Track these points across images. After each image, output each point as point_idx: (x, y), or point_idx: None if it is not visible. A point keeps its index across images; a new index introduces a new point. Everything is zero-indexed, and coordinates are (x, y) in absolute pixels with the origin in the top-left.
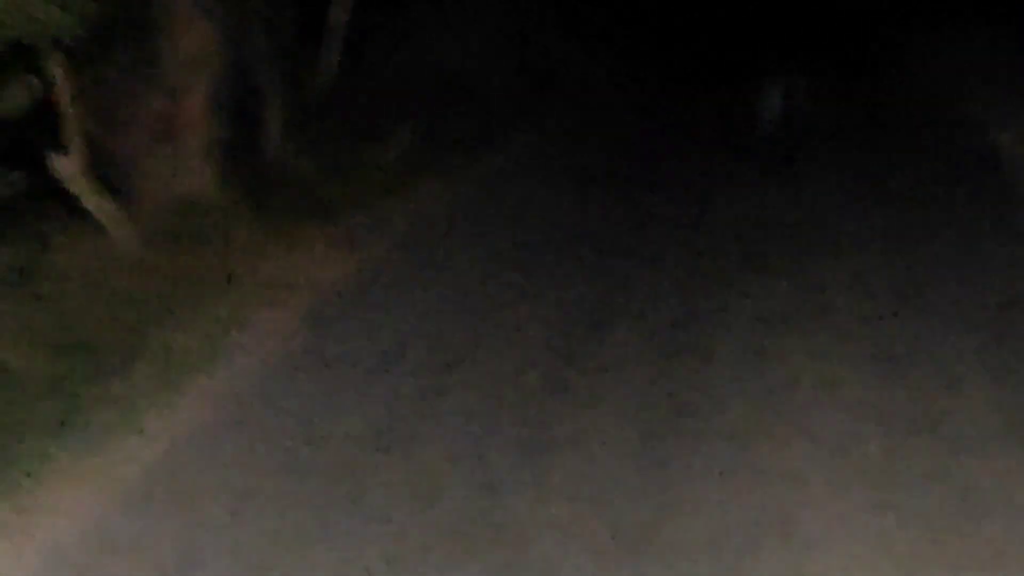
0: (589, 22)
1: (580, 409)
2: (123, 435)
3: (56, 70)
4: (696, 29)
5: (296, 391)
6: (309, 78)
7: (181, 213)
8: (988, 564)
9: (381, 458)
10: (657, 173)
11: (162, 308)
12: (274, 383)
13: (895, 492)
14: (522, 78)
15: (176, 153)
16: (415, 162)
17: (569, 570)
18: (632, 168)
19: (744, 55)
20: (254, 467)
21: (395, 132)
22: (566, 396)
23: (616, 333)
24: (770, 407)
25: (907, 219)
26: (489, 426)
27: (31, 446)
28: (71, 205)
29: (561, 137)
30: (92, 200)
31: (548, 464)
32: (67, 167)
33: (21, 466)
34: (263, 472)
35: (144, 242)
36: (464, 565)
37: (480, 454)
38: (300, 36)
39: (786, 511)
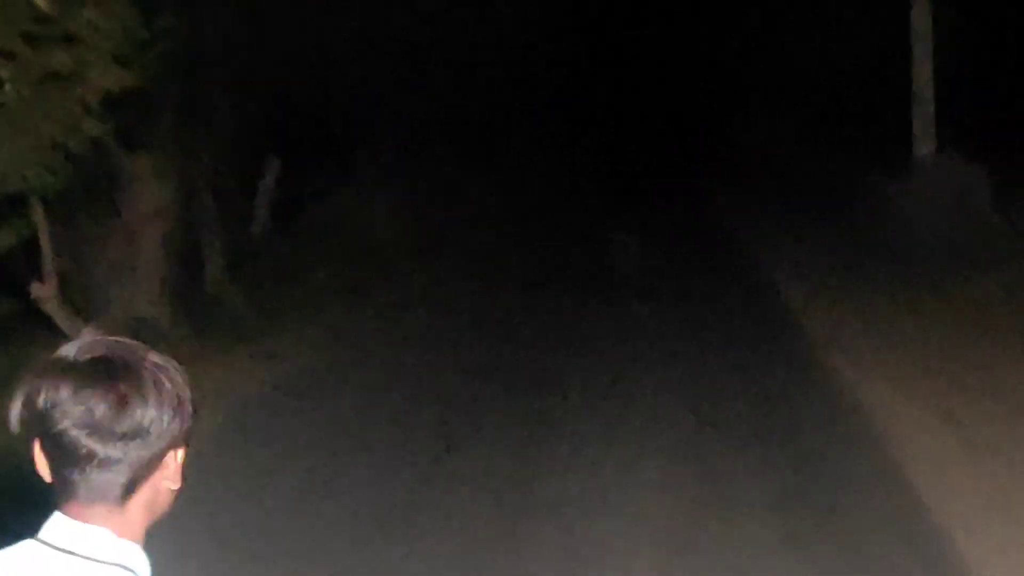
0: (474, 193)
1: (426, 533)
2: None
3: (39, 217)
4: (561, 201)
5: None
6: (244, 230)
7: (135, 333)
8: None
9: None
10: (522, 310)
11: None
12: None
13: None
14: (416, 233)
15: (134, 286)
16: (326, 298)
17: None
18: (502, 309)
19: (602, 224)
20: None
21: (312, 274)
22: (419, 518)
23: (461, 462)
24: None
25: (708, 349)
26: (352, 544)
27: None
28: (47, 324)
29: (445, 281)
30: (64, 321)
31: None
32: (45, 294)
33: None
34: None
35: None
36: None
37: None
38: (238, 196)
39: None
